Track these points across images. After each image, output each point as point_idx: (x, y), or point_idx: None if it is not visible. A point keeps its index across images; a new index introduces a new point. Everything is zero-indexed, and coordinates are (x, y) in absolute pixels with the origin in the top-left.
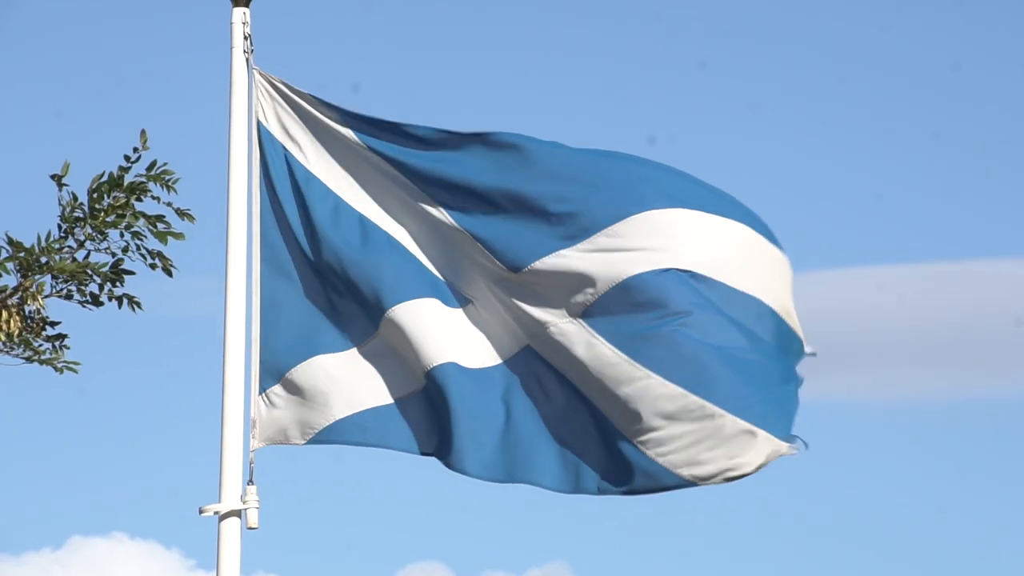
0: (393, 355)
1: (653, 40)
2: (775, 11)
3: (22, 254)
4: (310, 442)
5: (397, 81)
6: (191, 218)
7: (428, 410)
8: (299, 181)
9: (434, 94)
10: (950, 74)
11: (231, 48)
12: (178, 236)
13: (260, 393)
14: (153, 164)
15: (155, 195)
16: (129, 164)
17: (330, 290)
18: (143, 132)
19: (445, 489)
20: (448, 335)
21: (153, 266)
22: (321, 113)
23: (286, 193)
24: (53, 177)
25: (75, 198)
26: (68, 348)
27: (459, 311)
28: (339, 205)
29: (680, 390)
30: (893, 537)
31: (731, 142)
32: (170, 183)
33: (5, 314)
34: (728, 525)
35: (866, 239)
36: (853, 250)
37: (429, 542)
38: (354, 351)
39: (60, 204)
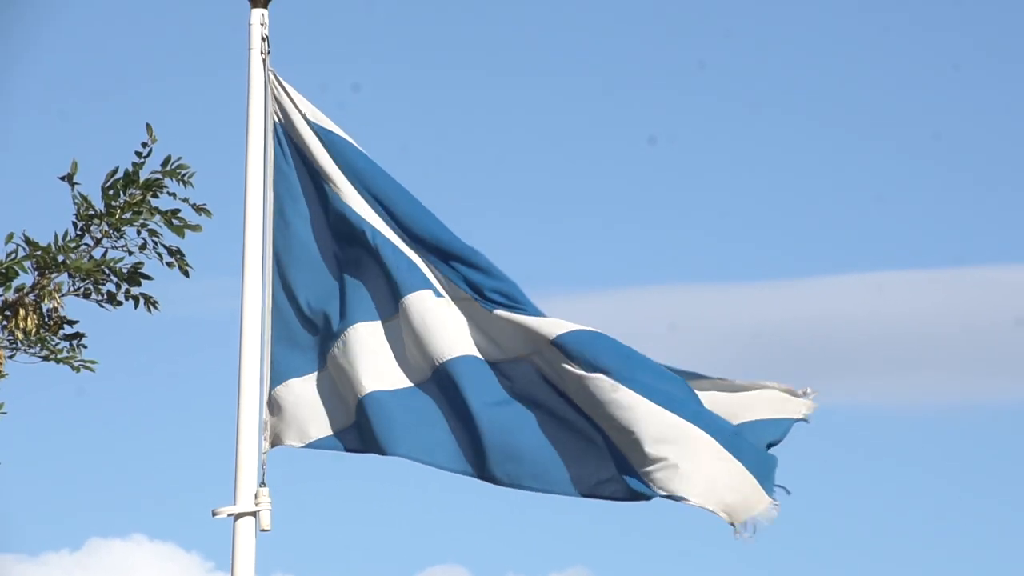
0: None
1: (653, 40)
2: (775, 11)
3: (39, 253)
4: (307, 447)
5: (397, 81)
6: (208, 213)
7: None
8: (310, 182)
9: (434, 94)
10: (951, 74)
11: (249, 49)
12: (195, 228)
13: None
14: (168, 159)
15: (171, 191)
16: (141, 160)
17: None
18: (149, 126)
19: (466, 492)
20: (453, 330)
21: (170, 264)
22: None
23: (295, 195)
24: (63, 178)
25: (85, 199)
26: (85, 347)
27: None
28: (345, 210)
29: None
30: (901, 540)
31: (731, 142)
32: (185, 178)
33: (22, 312)
34: None
35: (866, 243)
36: (853, 254)
37: (449, 545)
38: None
39: (74, 203)
